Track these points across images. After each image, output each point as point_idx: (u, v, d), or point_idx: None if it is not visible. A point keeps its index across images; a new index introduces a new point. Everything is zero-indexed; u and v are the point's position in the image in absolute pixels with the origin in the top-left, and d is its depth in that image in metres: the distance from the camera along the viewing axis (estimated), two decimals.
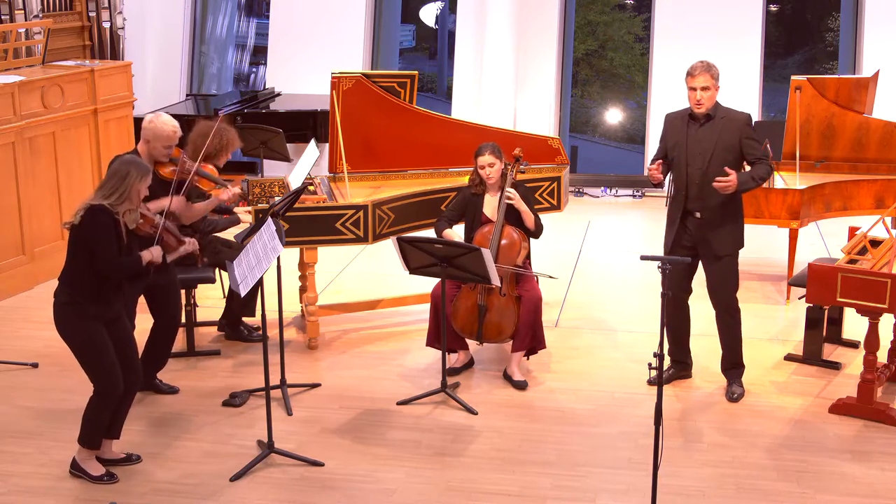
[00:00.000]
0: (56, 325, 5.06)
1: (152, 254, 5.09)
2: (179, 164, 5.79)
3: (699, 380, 6.34)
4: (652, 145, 10.93)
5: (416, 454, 5.47)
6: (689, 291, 6.17)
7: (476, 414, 5.91)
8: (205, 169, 6.09)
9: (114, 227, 4.92)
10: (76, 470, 5.20)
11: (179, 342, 6.85)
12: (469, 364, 6.54)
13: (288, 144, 8.87)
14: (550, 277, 6.66)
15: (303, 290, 7.35)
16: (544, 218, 6.61)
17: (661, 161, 5.95)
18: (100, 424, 5.14)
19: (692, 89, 5.81)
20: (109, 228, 4.91)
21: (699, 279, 6.15)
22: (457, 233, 6.46)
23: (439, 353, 6.28)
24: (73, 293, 4.98)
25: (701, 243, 5.94)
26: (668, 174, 6.16)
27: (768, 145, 7.75)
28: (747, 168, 5.91)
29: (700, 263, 6.08)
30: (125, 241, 4.99)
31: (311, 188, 6.86)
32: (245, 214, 6.77)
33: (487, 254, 5.69)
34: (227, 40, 12.28)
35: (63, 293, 5.01)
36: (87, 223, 4.91)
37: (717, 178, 5.69)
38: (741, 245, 6.01)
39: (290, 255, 7.28)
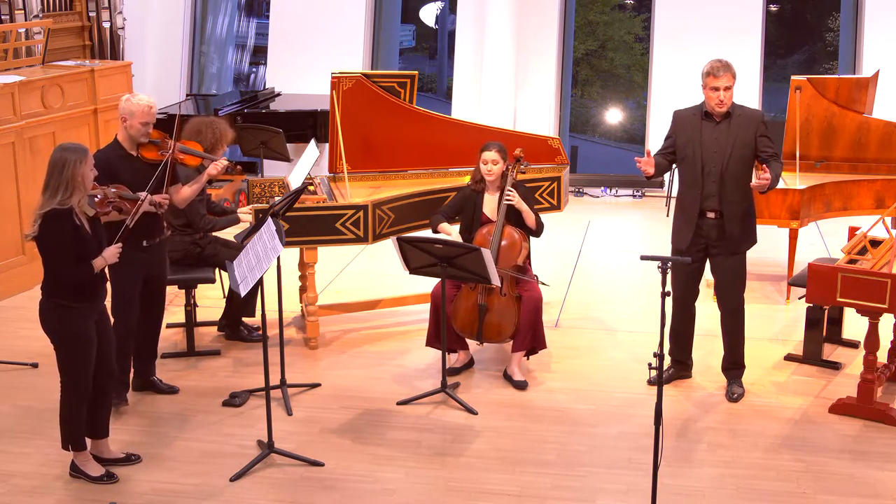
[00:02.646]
0: (43, 324, 5.02)
1: (105, 259, 4.99)
2: (161, 144, 5.78)
3: (699, 380, 6.34)
4: (652, 145, 10.93)
5: (416, 454, 5.47)
6: (697, 294, 6.17)
7: (476, 414, 5.91)
8: (188, 145, 6.05)
9: (71, 231, 4.83)
10: (76, 472, 5.20)
11: (179, 342, 6.87)
12: (469, 364, 6.54)
13: (288, 144, 8.87)
14: (543, 284, 6.66)
15: (303, 290, 7.35)
16: (544, 218, 6.61)
17: (648, 152, 5.95)
18: (79, 424, 5.12)
19: (715, 89, 5.78)
20: (65, 234, 4.81)
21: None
22: (453, 228, 6.46)
23: (439, 353, 6.28)
24: (62, 299, 4.94)
25: (717, 241, 5.93)
26: (667, 172, 6.19)
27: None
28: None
29: (706, 265, 6.08)
30: (90, 233, 4.93)
31: (311, 188, 6.86)
32: (245, 214, 6.76)
33: (487, 254, 5.68)
34: (227, 40, 12.28)
35: (51, 300, 4.97)
36: (44, 233, 4.84)
37: (759, 176, 5.71)
38: (755, 241, 6.03)
39: (290, 255, 7.28)
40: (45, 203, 4.84)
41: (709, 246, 5.96)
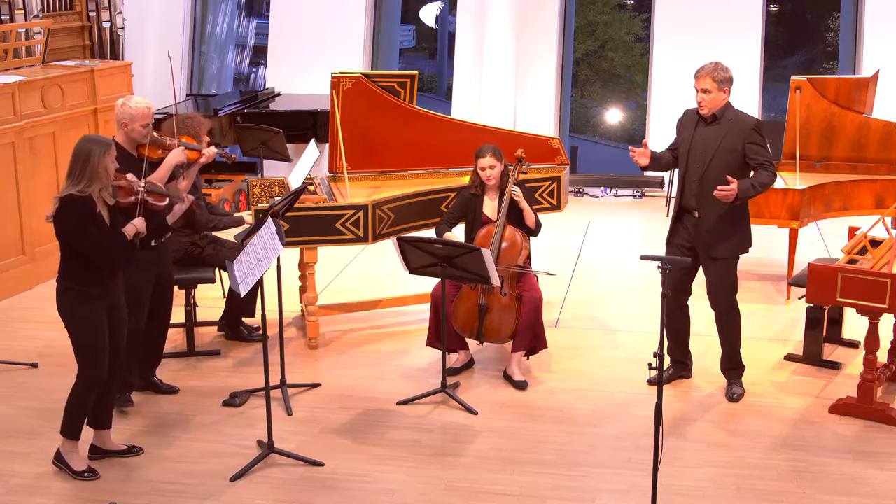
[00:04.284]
0: (58, 306, 5.05)
1: (136, 226, 5.05)
2: (162, 142, 5.79)
3: (699, 380, 6.34)
4: (652, 145, 10.92)
5: (416, 454, 5.47)
6: (689, 293, 6.16)
7: (476, 414, 5.91)
8: (186, 140, 6.04)
9: (89, 214, 4.90)
10: (59, 462, 5.21)
11: (179, 342, 6.86)
12: (469, 364, 6.54)
13: (288, 144, 8.87)
14: (549, 274, 6.63)
15: (303, 290, 7.35)
16: (544, 218, 6.62)
17: (645, 143, 5.96)
18: (82, 413, 5.15)
19: (695, 89, 5.82)
20: (84, 218, 4.88)
21: (699, 279, 6.15)
22: (457, 236, 6.46)
23: (439, 353, 6.28)
24: (72, 282, 4.99)
25: (698, 243, 5.94)
26: (672, 168, 6.19)
27: (768, 145, 7.75)
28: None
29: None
30: (107, 221, 4.98)
31: (311, 188, 6.86)
32: (249, 216, 6.75)
33: (487, 254, 5.68)
34: (227, 40, 12.28)
35: (63, 282, 5.03)
36: (62, 217, 4.90)
37: (719, 187, 5.68)
38: (744, 250, 5.97)
39: (290, 255, 7.28)
40: (66, 189, 4.93)
41: (694, 245, 5.96)
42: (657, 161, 6.04)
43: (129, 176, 5.20)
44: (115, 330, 5.16)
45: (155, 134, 5.82)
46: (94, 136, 5.11)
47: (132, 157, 5.70)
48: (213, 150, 6.07)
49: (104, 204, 4.99)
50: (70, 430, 5.17)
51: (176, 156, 5.79)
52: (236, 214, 6.88)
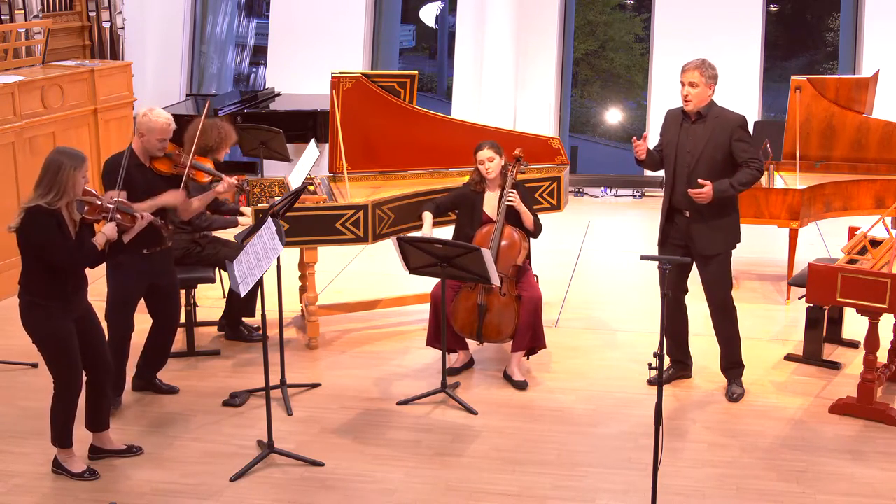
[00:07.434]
0: (23, 323, 5.00)
1: (106, 234, 5.00)
2: (174, 158, 5.77)
3: (699, 380, 6.34)
4: (652, 145, 10.93)
5: (416, 454, 5.47)
6: (686, 290, 6.16)
7: (476, 414, 5.91)
8: (200, 161, 6.04)
9: (56, 226, 4.82)
10: (58, 468, 5.21)
11: (179, 342, 6.86)
12: (469, 364, 6.54)
13: (288, 144, 8.87)
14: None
15: (303, 290, 7.36)
16: (544, 218, 6.62)
17: (645, 136, 5.96)
18: (67, 422, 5.13)
19: (681, 84, 5.82)
20: (51, 228, 4.80)
21: (696, 278, 6.15)
22: (430, 218, 6.44)
23: (439, 353, 6.28)
24: (37, 297, 4.93)
25: (691, 242, 5.94)
26: (660, 168, 6.19)
27: (768, 145, 7.75)
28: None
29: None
30: (72, 234, 4.91)
31: (311, 188, 6.86)
32: (245, 219, 6.75)
33: (487, 254, 5.68)
34: (227, 40, 12.28)
35: (27, 297, 4.96)
36: (28, 227, 4.82)
37: (690, 190, 5.71)
38: (734, 244, 5.99)
39: (290, 255, 7.28)
40: (34, 199, 4.84)
41: (687, 244, 5.96)
42: (650, 157, 6.04)
43: (143, 206, 5.16)
44: (91, 337, 5.12)
45: (170, 149, 5.78)
46: (68, 149, 4.98)
47: (143, 166, 5.68)
48: (232, 181, 6.00)
49: (72, 221, 4.93)
50: (60, 440, 5.17)
51: (169, 198, 5.65)
52: (242, 209, 6.85)
